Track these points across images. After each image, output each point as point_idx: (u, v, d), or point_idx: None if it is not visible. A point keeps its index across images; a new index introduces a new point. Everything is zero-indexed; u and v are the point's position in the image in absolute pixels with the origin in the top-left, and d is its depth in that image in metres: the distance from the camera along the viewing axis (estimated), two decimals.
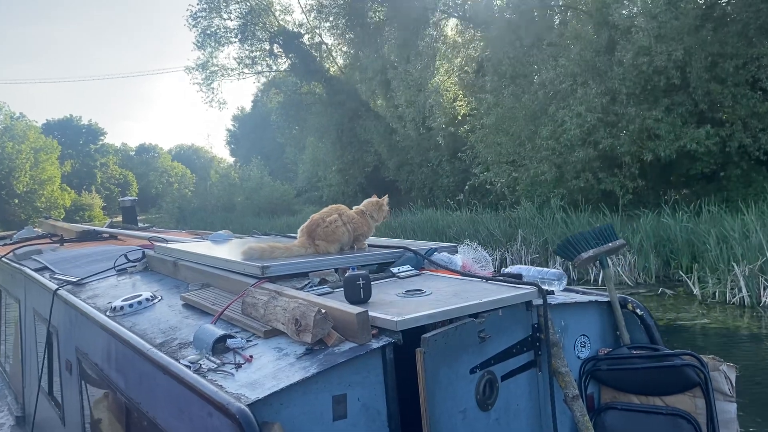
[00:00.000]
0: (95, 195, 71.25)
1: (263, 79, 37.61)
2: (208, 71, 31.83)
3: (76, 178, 71.88)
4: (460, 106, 22.84)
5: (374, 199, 3.43)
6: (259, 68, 32.63)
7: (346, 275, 2.46)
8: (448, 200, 22.69)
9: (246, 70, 32.17)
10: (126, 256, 4.11)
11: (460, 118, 22.82)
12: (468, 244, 3.27)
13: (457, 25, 25.68)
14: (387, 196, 3.48)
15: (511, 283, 2.62)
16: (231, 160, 59.93)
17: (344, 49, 30.65)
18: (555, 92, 17.07)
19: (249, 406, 1.78)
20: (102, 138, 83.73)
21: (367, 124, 28.31)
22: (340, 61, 31.53)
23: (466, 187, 22.17)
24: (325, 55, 31.29)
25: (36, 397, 4.35)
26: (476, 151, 20.82)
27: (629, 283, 12.95)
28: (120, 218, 9.91)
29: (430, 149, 25.26)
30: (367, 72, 27.32)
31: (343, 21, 28.59)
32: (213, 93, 33.29)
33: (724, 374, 2.65)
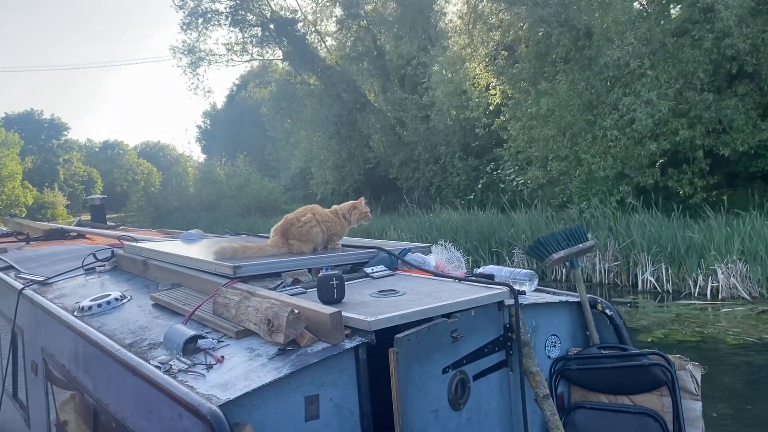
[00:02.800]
0: (58, 192, 68.44)
1: (252, 67, 35.59)
2: (194, 56, 29.47)
3: (37, 174, 68.81)
4: (493, 95, 20.09)
5: (351, 201, 3.42)
6: (249, 56, 30.29)
7: (319, 275, 2.46)
8: (458, 200, 20.91)
9: (235, 57, 30.02)
10: (94, 255, 4.04)
11: (491, 108, 20.40)
12: (442, 244, 3.28)
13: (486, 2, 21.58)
14: (362, 198, 3.47)
15: (483, 283, 2.64)
16: (201, 157, 57.72)
17: (341, 37, 28.27)
18: (618, 76, 14.95)
19: (220, 407, 1.77)
20: (65, 133, 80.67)
21: (368, 118, 26.44)
22: (336, 50, 29.08)
23: (479, 185, 20.77)
24: (320, 43, 29.08)
25: (0, 400, 4.25)
26: (515, 146, 18.46)
27: (747, 297, 10.94)
28: (88, 217, 9.74)
29: (439, 144, 23.25)
30: (365, 62, 25.57)
31: (340, 7, 26.77)
32: (198, 80, 30.95)
33: (690, 373, 2.71)
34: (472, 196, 20.92)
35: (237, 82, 50.91)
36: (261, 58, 30.99)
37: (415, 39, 24.43)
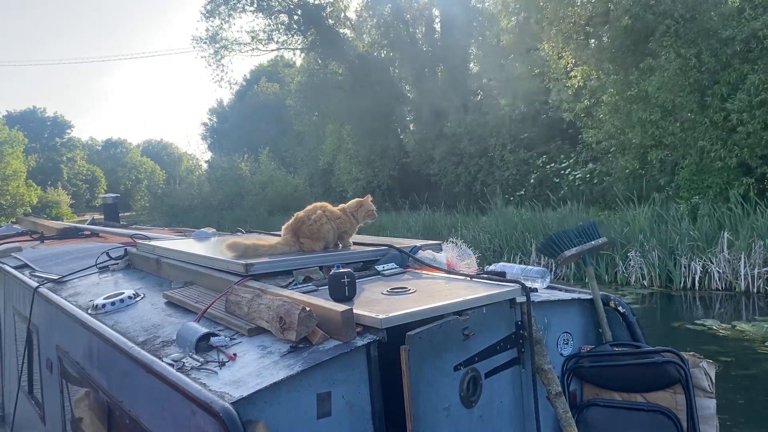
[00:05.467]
0: (62, 191, 67.70)
1: (274, 59, 33.34)
2: (217, 44, 28.18)
3: (40, 173, 68.13)
4: (574, 76, 17.96)
5: (357, 199, 3.42)
6: (276, 44, 28.65)
7: (330, 273, 2.46)
8: (507, 196, 19.33)
9: (260, 47, 28.47)
10: (108, 254, 4.07)
11: (571, 92, 18.61)
12: (453, 242, 3.27)
13: None
14: (369, 196, 3.46)
15: (494, 280, 2.63)
16: (208, 155, 56.64)
17: (371, 23, 26.35)
18: (744, 51, 13.11)
19: (233, 404, 1.77)
20: (69, 131, 79.59)
21: (403, 110, 25.12)
22: (368, 37, 27.37)
23: (531, 180, 19.19)
24: (351, 31, 27.34)
25: (16, 397, 4.30)
26: (601, 133, 16.50)
27: None
28: (99, 216, 9.80)
29: (488, 136, 21.38)
30: (398, 50, 23.62)
31: None
32: (223, 71, 29.61)
33: (704, 371, 2.69)
34: (522, 192, 19.42)
35: (248, 76, 49.92)
36: (287, 47, 29.42)
37: (455, 26, 23.04)
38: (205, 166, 50.65)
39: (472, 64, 23.86)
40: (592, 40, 17.01)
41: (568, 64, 18.05)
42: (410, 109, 25.38)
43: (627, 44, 15.56)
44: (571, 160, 18.64)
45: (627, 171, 15.86)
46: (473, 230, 17.16)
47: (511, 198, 19.15)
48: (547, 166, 18.59)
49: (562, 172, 18.40)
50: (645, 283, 13.11)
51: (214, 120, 58.86)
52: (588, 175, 17.53)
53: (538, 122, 20.05)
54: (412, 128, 25.30)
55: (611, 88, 16.07)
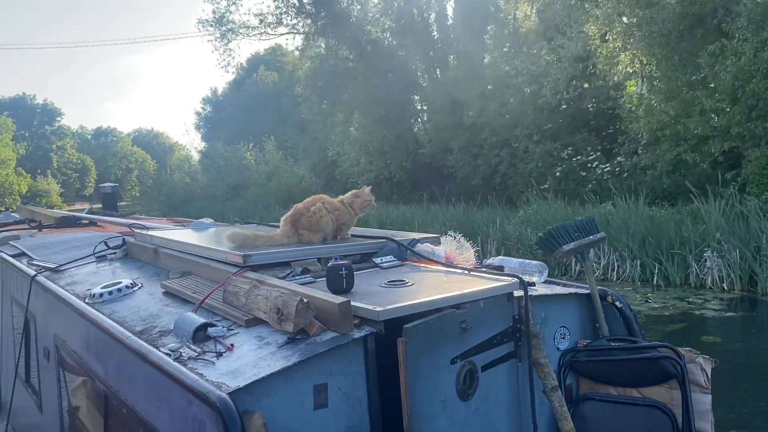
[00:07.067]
0: (51, 180, 66.01)
1: (279, 45, 31.82)
2: (224, 28, 27.00)
3: (29, 161, 66.07)
4: (624, 62, 16.84)
5: (353, 191, 3.41)
6: (286, 27, 27.27)
7: (328, 265, 2.46)
8: (530, 189, 18.00)
9: (269, 30, 27.21)
10: (106, 243, 4.07)
11: (617, 79, 17.55)
12: (451, 235, 3.27)
13: None
14: (367, 187, 3.45)
15: (493, 274, 2.63)
16: (201, 145, 54.49)
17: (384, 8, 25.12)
18: None
19: (230, 394, 1.78)
20: (59, 119, 77.31)
21: (416, 99, 24.03)
22: (381, 22, 25.99)
23: (557, 173, 17.95)
24: (364, 15, 25.91)
25: (13, 385, 4.30)
26: (651, 122, 15.23)
27: None
28: (96, 205, 9.82)
29: (513, 126, 19.95)
30: (410, 36, 22.49)
31: None
32: (230, 55, 28.80)
33: (700, 366, 2.69)
34: (546, 185, 18.15)
35: (244, 65, 48.88)
36: (296, 31, 28.09)
37: (470, 11, 22.06)
38: (197, 156, 49.72)
39: (488, 52, 22.85)
40: (636, 21, 15.60)
41: (615, 48, 16.76)
42: (423, 98, 24.29)
43: (680, 29, 14.59)
44: (598, 153, 17.66)
45: (680, 163, 14.72)
46: (515, 225, 15.75)
47: (534, 192, 17.79)
48: (573, 159, 17.38)
49: (589, 165, 17.54)
50: (724, 286, 11.68)
51: (208, 109, 57.40)
52: (617, 169, 16.65)
53: (562, 113, 19.14)
54: (425, 118, 24.38)
55: (665, 73, 15.00)
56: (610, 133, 19.23)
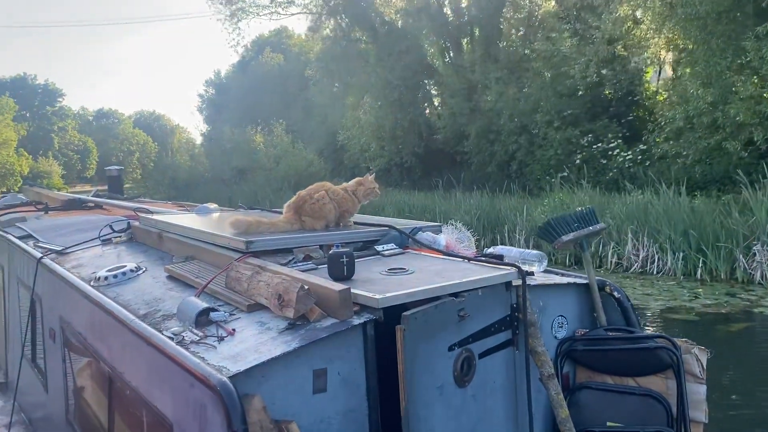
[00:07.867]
0: (53, 161, 65.04)
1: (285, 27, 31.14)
2: (234, 6, 26.40)
3: (30, 142, 64.12)
4: (658, 45, 16.08)
5: (357, 178, 3.43)
6: (298, 7, 26.69)
7: (330, 252, 2.49)
8: (549, 178, 17.48)
9: (280, 10, 26.66)
10: (111, 227, 4.11)
11: (651, 62, 16.70)
12: (453, 224, 3.30)
13: None
14: (371, 174, 3.46)
15: (492, 263, 2.66)
16: (204, 127, 53.53)
17: None
18: None
19: (230, 378, 1.82)
20: (60, 100, 75.62)
21: (433, 83, 23.45)
22: (396, 2, 25.30)
23: (576, 160, 17.31)
24: None
25: (19, 364, 4.37)
26: (687, 109, 14.42)
27: None
28: (91, 187, 9.84)
29: (532, 112, 19.18)
30: (424, 18, 21.84)
31: None
32: (240, 35, 28.51)
33: (695, 357, 2.72)
34: (565, 173, 17.43)
35: (249, 47, 48.15)
36: (308, 11, 27.37)
37: None
38: (200, 138, 49.14)
39: (506, 36, 22.10)
40: (671, 1, 14.91)
41: (648, 31, 16.05)
42: (438, 82, 23.46)
43: (719, 10, 13.70)
44: (619, 141, 17.07)
45: (714, 151, 13.93)
46: (541, 213, 14.41)
47: (553, 180, 17.16)
48: (593, 146, 16.73)
49: (610, 153, 16.66)
50: None
51: (211, 91, 56.12)
52: (640, 157, 16.01)
53: (580, 98, 18.33)
54: (438, 102, 23.74)
55: (702, 58, 14.22)
56: (630, 120, 18.54)
